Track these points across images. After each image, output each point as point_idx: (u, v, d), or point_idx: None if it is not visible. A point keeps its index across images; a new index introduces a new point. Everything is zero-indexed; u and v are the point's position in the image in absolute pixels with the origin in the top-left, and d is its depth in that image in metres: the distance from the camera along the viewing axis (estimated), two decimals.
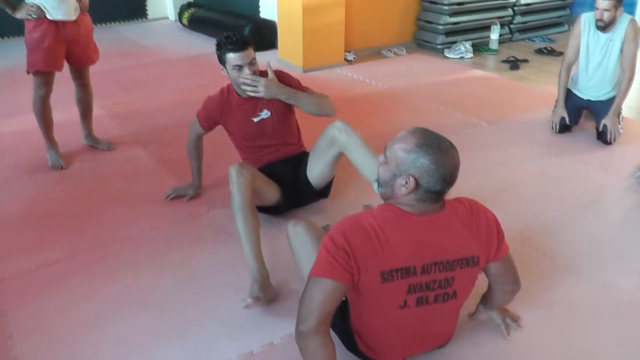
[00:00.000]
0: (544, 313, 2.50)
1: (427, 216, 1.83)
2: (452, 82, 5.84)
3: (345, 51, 6.41)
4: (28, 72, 3.68)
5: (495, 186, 3.51)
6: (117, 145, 4.23)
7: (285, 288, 2.66)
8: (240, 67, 2.92)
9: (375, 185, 1.94)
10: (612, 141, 4.15)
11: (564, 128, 4.37)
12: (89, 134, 4.20)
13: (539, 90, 5.45)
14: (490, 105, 5.09)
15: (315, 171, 3.11)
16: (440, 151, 1.77)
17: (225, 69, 2.98)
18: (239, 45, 2.89)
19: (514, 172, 3.82)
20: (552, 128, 4.40)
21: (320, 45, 6.06)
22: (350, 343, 2.01)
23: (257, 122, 3.11)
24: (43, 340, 2.39)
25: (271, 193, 3.02)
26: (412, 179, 1.76)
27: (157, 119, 4.78)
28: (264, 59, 3.12)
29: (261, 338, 2.37)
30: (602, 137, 4.19)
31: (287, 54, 6.30)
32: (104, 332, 2.43)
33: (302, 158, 3.21)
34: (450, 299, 1.95)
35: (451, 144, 1.83)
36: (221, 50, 2.94)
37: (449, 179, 1.79)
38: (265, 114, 3.11)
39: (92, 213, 3.35)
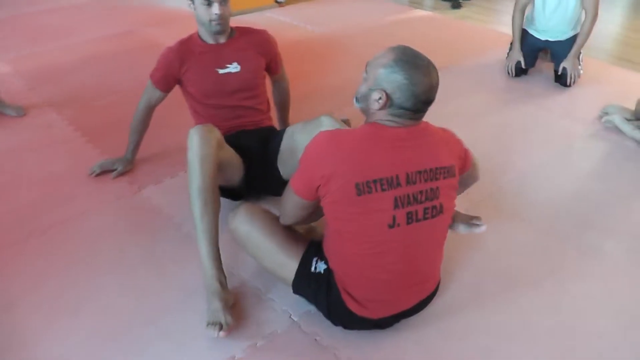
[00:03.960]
0: (533, 291, 2.26)
1: (406, 128, 1.84)
2: (392, 23, 5.48)
3: None
4: None
5: None
6: (28, 109, 3.71)
7: (240, 285, 2.31)
8: (209, 4, 2.57)
9: (354, 100, 1.94)
10: (572, 84, 3.97)
11: (520, 72, 4.16)
12: None
13: (485, 30, 5.18)
14: (437, 48, 4.69)
15: (290, 165, 2.57)
16: (415, 68, 1.78)
17: (193, 3, 2.62)
18: None
19: (473, 125, 3.52)
20: (508, 72, 4.16)
21: None
22: (339, 308, 1.97)
23: (222, 74, 2.68)
24: None
25: (235, 170, 2.51)
26: (384, 93, 1.78)
27: (71, 75, 4.25)
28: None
29: (221, 352, 2.02)
30: (562, 80, 4.00)
31: None
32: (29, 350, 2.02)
33: (270, 133, 2.76)
34: (439, 214, 1.91)
35: (430, 62, 1.82)
36: None
37: (423, 97, 1.80)
38: (234, 67, 2.69)
39: (4, 197, 2.85)
